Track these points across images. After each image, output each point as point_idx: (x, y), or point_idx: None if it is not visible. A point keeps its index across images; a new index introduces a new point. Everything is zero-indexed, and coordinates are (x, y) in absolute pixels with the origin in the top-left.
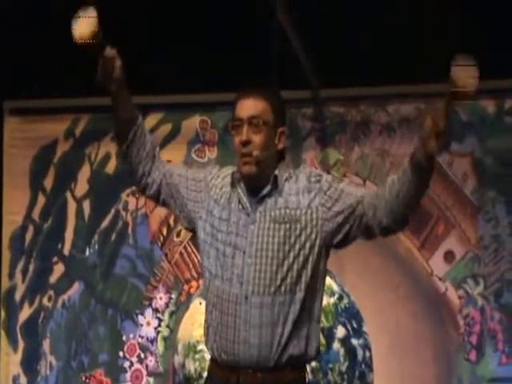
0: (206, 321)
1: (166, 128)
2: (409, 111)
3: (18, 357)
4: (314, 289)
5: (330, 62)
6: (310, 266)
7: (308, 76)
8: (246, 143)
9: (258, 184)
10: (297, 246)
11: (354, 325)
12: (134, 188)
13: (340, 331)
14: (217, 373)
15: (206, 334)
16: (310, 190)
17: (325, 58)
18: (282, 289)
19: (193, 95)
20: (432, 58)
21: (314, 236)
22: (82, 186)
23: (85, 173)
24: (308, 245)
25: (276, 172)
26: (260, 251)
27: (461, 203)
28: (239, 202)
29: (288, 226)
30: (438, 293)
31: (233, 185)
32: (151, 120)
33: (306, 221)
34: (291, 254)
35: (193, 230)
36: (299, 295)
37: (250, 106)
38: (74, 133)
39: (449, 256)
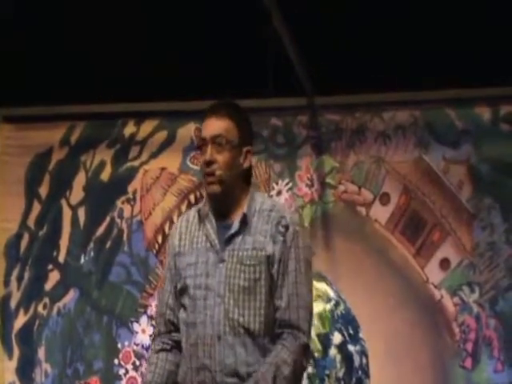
0: (182, 366)
1: (162, 135)
2: (404, 118)
3: (13, 364)
4: None
5: (326, 70)
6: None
7: (303, 83)
8: (209, 163)
9: (225, 208)
10: (263, 290)
11: (351, 331)
12: (129, 195)
13: (336, 337)
14: None
15: (184, 380)
16: (274, 239)
17: (320, 66)
18: (250, 331)
19: (188, 103)
20: (427, 66)
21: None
22: (77, 193)
23: (80, 180)
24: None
25: (245, 210)
26: (228, 292)
27: (456, 210)
28: (207, 240)
29: (253, 269)
30: (433, 300)
31: (200, 221)
32: (147, 127)
33: (270, 265)
34: (258, 298)
35: None
36: (266, 340)
37: (213, 126)
38: (70, 140)
39: (444, 263)
